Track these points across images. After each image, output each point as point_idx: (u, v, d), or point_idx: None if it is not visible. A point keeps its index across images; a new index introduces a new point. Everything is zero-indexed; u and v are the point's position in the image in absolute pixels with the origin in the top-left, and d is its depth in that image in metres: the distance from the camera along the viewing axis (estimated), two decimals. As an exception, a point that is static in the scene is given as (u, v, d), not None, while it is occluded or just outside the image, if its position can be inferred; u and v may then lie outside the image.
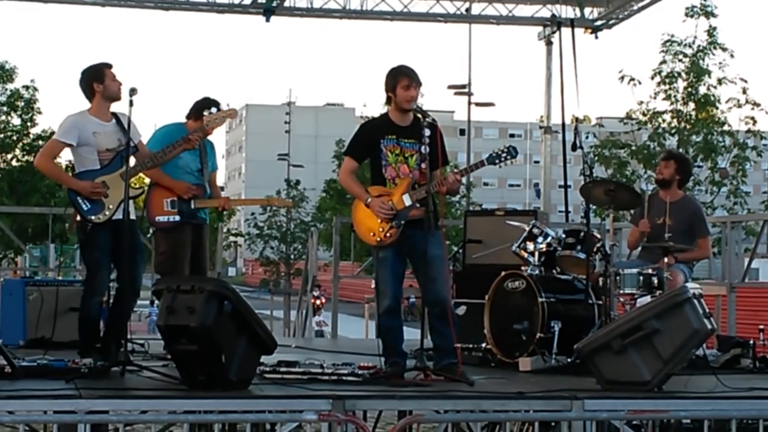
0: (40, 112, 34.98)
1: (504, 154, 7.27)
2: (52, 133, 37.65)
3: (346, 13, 15.44)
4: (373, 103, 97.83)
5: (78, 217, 7.26)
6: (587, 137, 24.09)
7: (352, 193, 7.44)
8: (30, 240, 29.61)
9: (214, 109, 7.78)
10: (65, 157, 8.01)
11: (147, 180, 8.34)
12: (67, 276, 12.34)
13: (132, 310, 7.62)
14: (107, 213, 7.24)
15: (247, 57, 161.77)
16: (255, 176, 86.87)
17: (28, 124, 34.93)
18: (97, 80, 7.39)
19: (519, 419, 7.06)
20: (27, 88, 34.96)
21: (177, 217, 8.16)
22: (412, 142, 7.22)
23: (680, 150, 22.70)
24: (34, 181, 33.56)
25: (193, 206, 8.20)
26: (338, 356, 8.25)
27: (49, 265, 17.25)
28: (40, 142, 34.65)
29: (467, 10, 16.12)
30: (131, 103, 7.19)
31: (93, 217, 7.22)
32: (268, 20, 14.88)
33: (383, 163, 7.22)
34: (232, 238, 50.47)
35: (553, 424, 6.68)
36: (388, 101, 7.34)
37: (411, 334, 7.86)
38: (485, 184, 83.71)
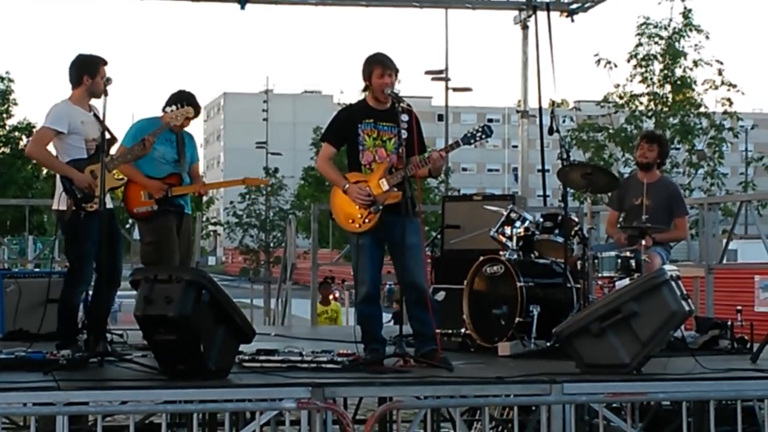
0: (16, 104, 34.88)
1: (479, 134, 7.30)
2: (28, 124, 37.53)
3: (321, 0, 15.38)
4: (351, 90, 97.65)
5: (72, 207, 7.20)
6: (564, 121, 24.03)
7: (329, 179, 7.43)
8: (8, 232, 29.48)
9: (174, 107, 7.88)
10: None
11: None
12: (45, 267, 12.30)
13: (113, 301, 7.59)
14: (97, 201, 7.19)
15: (224, 46, 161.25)
16: (233, 165, 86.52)
17: (4, 115, 34.77)
18: (89, 74, 7.35)
19: (498, 404, 7.10)
20: (2, 79, 34.81)
21: (155, 206, 8.20)
22: (390, 125, 7.22)
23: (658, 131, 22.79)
24: (11, 173, 33.41)
25: (169, 194, 8.22)
26: (317, 344, 8.25)
27: (27, 257, 17.17)
28: (16, 134, 34.57)
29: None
30: (106, 93, 7.15)
31: (87, 206, 7.18)
32: (243, 8, 14.78)
33: (360, 148, 7.21)
34: (211, 227, 50.41)
35: (533, 408, 6.71)
36: (366, 88, 7.36)
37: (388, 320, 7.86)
38: (464, 169, 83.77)
